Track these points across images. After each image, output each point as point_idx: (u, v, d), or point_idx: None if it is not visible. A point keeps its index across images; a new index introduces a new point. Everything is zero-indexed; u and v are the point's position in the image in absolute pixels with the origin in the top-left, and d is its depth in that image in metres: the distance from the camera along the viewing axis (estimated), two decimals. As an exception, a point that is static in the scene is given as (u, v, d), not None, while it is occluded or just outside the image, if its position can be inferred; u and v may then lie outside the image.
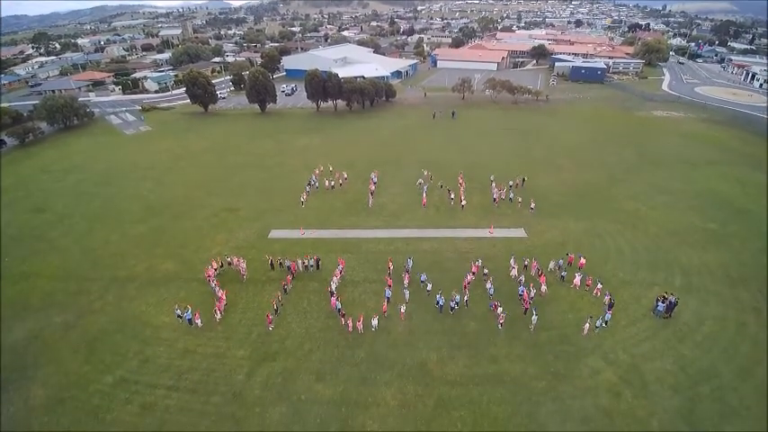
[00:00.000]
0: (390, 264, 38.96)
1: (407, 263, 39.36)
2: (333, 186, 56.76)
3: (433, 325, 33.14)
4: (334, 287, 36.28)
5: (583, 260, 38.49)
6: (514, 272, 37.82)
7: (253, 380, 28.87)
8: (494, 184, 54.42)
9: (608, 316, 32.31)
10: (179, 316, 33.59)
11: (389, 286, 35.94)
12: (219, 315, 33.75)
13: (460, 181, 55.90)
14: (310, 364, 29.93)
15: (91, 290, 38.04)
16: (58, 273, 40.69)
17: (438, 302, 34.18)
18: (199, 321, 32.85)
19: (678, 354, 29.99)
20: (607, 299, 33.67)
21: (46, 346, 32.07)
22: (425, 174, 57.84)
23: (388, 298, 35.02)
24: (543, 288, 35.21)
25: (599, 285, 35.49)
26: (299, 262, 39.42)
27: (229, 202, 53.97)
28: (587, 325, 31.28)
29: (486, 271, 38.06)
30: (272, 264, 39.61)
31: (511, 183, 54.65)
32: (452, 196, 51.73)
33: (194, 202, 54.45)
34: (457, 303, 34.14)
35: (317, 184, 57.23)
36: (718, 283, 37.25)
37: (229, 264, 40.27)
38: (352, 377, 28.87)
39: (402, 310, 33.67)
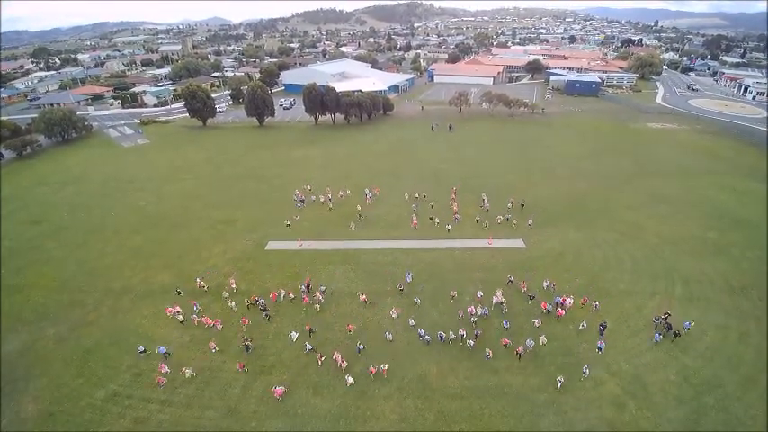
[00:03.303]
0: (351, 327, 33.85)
1: (407, 277, 38.70)
2: (330, 199, 55.89)
3: (432, 335, 32.60)
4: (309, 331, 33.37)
5: (570, 300, 35.67)
6: (497, 298, 35.79)
7: (248, 394, 28.31)
8: (486, 199, 53.62)
9: (601, 344, 30.68)
10: (142, 351, 31.14)
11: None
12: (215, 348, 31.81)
13: (453, 197, 55.05)
14: (307, 378, 29.39)
15: (85, 302, 37.54)
16: (53, 284, 40.21)
17: (440, 336, 32.26)
18: (189, 372, 29.51)
19: (681, 364, 29.63)
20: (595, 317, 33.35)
21: (38, 359, 31.47)
22: (422, 194, 56.23)
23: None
24: (538, 322, 33.57)
25: (596, 303, 34.93)
26: (282, 294, 37.26)
27: (227, 213, 53.73)
28: (561, 381, 28.06)
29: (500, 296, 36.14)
30: (248, 305, 36.38)
31: (509, 204, 52.74)
32: (438, 221, 48.95)
33: (192, 213, 54.21)
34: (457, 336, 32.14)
35: (303, 202, 55.50)
36: (719, 292, 37.06)
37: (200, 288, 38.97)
38: (350, 390, 28.30)
39: (390, 337, 32.48)
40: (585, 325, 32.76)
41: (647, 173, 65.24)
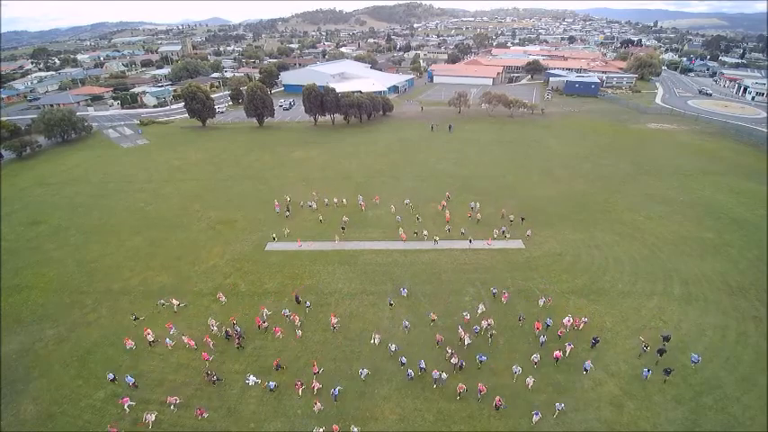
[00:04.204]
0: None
1: (402, 291, 37.34)
2: (327, 204, 54.48)
3: (432, 338, 32.72)
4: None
5: (568, 318, 33.45)
6: (486, 322, 33.02)
7: (248, 394, 28.30)
8: (477, 206, 51.98)
9: (587, 365, 29.01)
10: (112, 379, 29.09)
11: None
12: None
13: (444, 203, 53.55)
14: (306, 378, 29.31)
15: (85, 302, 37.56)
16: (52, 285, 40.22)
17: (420, 367, 29.28)
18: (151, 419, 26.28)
19: (680, 364, 29.60)
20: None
21: (38, 360, 31.49)
22: (407, 203, 53.70)
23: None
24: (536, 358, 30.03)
25: (584, 319, 33.29)
26: (264, 312, 34.62)
27: (226, 214, 53.77)
28: (537, 415, 25.92)
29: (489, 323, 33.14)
30: (227, 334, 33.00)
31: (510, 217, 49.61)
32: (425, 233, 46.32)
33: (191, 214, 54.23)
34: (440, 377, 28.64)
35: (289, 210, 53.20)
36: (718, 293, 37.14)
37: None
38: (349, 391, 28.33)
39: (364, 374, 29.25)
40: (572, 346, 30.48)
41: (646, 173, 65.35)
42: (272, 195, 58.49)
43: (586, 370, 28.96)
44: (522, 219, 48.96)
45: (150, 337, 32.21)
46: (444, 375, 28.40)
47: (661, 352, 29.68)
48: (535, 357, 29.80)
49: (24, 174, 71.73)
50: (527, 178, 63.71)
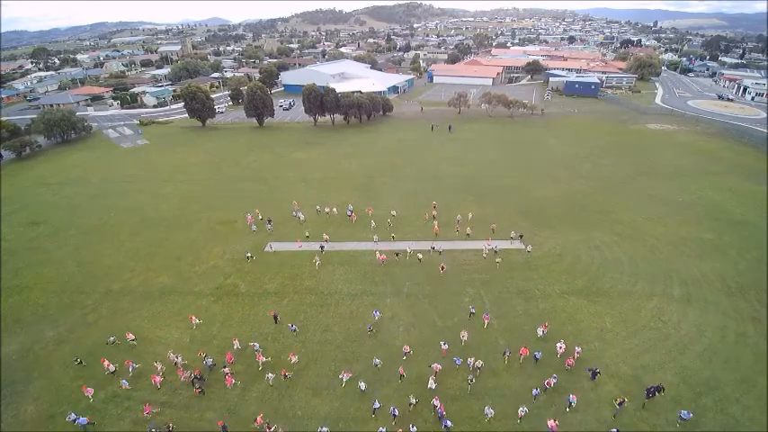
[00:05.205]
0: None
1: (374, 314, 34.49)
2: (323, 211, 51.99)
3: (432, 337, 32.74)
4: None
5: (561, 345, 30.72)
6: (471, 360, 29.44)
7: (248, 395, 28.33)
8: (468, 217, 49.46)
9: (572, 399, 26.74)
10: (74, 420, 25.97)
11: None
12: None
13: (434, 212, 51.45)
14: (307, 379, 29.42)
15: (85, 303, 37.55)
16: (52, 286, 40.20)
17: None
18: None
19: (680, 365, 29.71)
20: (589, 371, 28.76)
21: (38, 360, 31.48)
22: (393, 214, 50.62)
23: None
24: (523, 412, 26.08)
25: (577, 349, 30.53)
26: (235, 344, 31.58)
27: (226, 214, 53.75)
28: None
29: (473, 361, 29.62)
30: (194, 378, 28.81)
31: (513, 235, 46.03)
32: (409, 250, 43.43)
33: (191, 214, 54.22)
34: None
35: (270, 222, 49.81)
36: (717, 293, 37.19)
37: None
38: (349, 391, 28.34)
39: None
40: (556, 379, 28.09)
41: (646, 174, 65.39)
42: (271, 195, 58.58)
43: (571, 404, 26.78)
44: (521, 235, 46.14)
45: (111, 368, 29.54)
46: (414, 429, 25.28)
47: (650, 393, 26.53)
48: (521, 411, 25.80)
49: (24, 174, 71.70)
50: (527, 179, 63.74)
